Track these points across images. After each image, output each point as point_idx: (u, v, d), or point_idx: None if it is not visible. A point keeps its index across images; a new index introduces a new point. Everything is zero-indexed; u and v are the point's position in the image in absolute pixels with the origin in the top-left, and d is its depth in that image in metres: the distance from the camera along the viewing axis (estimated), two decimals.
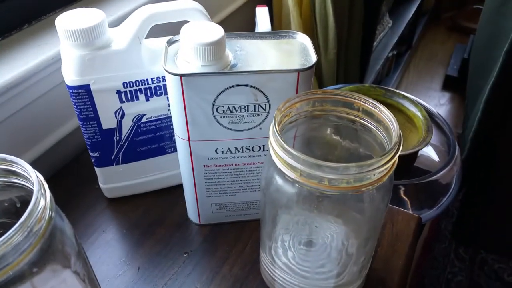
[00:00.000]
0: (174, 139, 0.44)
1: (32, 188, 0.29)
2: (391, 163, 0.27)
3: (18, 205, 0.32)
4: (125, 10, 0.52)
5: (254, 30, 0.58)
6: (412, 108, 0.59)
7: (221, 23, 0.73)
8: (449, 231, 1.20)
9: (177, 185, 0.48)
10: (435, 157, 0.67)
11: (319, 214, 0.30)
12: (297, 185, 0.29)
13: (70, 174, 0.50)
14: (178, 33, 0.34)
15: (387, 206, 0.32)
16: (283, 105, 0.31)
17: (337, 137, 0.36)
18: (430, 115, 0.64)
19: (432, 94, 1.82)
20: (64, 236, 0.28)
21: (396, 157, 0.28)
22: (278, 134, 0.28)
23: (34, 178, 0.26)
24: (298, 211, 0.31)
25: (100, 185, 0.46)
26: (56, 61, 0.45)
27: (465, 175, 0.65)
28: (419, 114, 0.58)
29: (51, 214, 0.26)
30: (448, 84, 1.84)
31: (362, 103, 0.32)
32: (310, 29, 0.75)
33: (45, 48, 0.46)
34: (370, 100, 0.31)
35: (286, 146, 0.27)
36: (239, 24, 0.77)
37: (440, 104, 1.77)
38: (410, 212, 0.47)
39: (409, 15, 1.39)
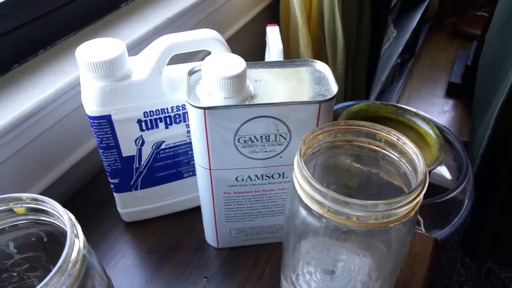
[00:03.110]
0: (192, 164, 0.44)
1: (61, 225, 0.29)
2: (418, 199, 0.28)
3: (45, 239, 0.32)
4: (136, 35, 0.53)
5: (264, 47, 0.58)
6: (424, 126, 0.59)
7: (230, 39, 0.73)
8: (455, 241, 1.20)
9: (193, 208, 0.48)
10: (446, 173, 0.67)
11: (345, 247, 0.31)
12: (323, 220, 0.29)
13: (87, 197, 0.51)
14: (191, 59, 0.35)
15: (411, 239, 0.32)
16: (307, 137, 0.31)
17: (358, 165, 0.36)
18: (440, 131, 0.64)
19: (436, 101, 1.82)
20: (96, 274, 0.28)
21: (423, 193, 0.28)
22: (305, 169, 0.28)
23: (67, 220, 0.27)
24: (324, 243, 0.31)
25: (118, 209, 0.46)
26: (72, 87, 0.46)
27: (476, 191, 0.65)
28: (431, 132, 0.58)
29: (85, 253, 0.26)
30: (452, 91, 1.84)
31: (384, 134, 0.32)
32: (318, 45, 0.76)
33: (62, 74, 0.46)
34: (393, 131, 0.32)
35: (313, 183, 0.28)
36: (248, 39, 0.78)
37: (443, 111, 1.77)
38: (423, 231, 0.47)
39: (413, 24, 1.40)
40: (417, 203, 0.28)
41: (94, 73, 0.35)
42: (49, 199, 0.28)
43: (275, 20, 0.79)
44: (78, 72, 0.46)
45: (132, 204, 0.45)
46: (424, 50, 2.06)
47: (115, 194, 0.45)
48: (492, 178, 0.84)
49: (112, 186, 0.44)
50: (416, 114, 0.61)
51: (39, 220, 0.30)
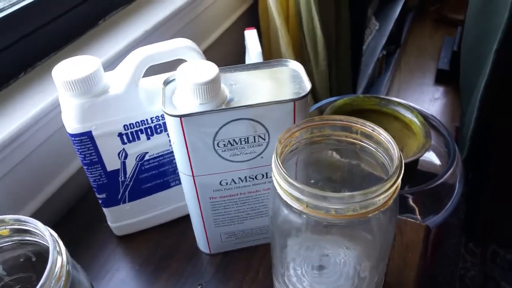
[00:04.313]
0: (177, 173, 0.45)
1: (46, 244, 0.29)
2: (395, 187, 0.28)
3: (34, 259, 0.33)
4: (116, 50, 0.53)
5: (244, 52, 0.59)
6: (408, 115, 0.59)
7: (210, 47, 0.74)
8: (456, 226, 1.21)
9: (183, 216, 0.48)
10: (435, 160, 0.68)
11: (329, 242, 0.31)
12: (304, 215, 0.29)
13: (78, 215, 0.51)
14: (169, 69, 0.35)
15: (395, 227, 0.32)
16: (282, 136, 0.31)
17: (338, 157, 0.37)
18: (426, 118, 0.65)
19: (426, 90, 1.83)
20: (82, 285, 0.29)
21: (399, 180, 0.29)
22: (281, 168, 0.29)
23: (48, 236, 0.27)
24: (307, 239, 0.31)
25: (109, 224, 0.46)
26: (54, 107, 0.46)
27: (468, 174, 0.65)
28: (415, 120, 0.59)
29: (69, 269, 0.27)
30: (441, 78, 1.85)
31: (360, 126, 0.32)
32: (298, 44, 0.76)
33: (43, 95, 0.47)
34: (368, 123, 0.32)
35: (290, 180, 0.28)
36: (227, 47, 0.78)
37: (434, 98, 1.78)
38: (419, 219, 0.48)
39: (395, 15, 1.41)
40: (394, 191, 0.29)
41: (72, 91, 0.36)
42: (30, 218, 0.28)
43: (255, 24, 0.79)
44: (55, 94, 0.47)
45: (122, 218, 0.46)
46: (409, 40, 2.07)
47: (104, 209, 0.45)
48: (483, 160, 0.84)
49: (100, 202, 0.44)
50: (399, 104, 0.62)
51: (24, 240, 0.30)
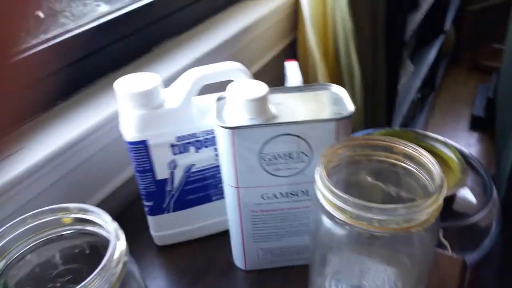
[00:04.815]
0: (220, 187, 0.47)
1: (106, 235, 0.32)
2: (437, 204, 0.29)
3: (87, 251, 0.35)
4: (170, 72, 0.57)
5: (283, 83, 0.62)
6: (446, 150, 0.60)
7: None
8: (492, 278, 1.15)
9: (221, 232, 0.50)
10: (472, 198, 0.67)
11: (370, 257, 0.32)
12: (347, 227, 0.30)
13: (122, 223, 0.53)
14: (216, 91, 0.38)
15: (435, 250, 0.33)
16: (327, 150, 0.33)
17: (378, 182, 0.38)
18: (463, 156, 0.65)
19: (460, 135, 1.81)
20: (135, 280, 0.30)
21: (442, 198, 0.30)
22: (326, 178, 0.30)
23: (110, 223, 0.29)
24: (349, 253, 0.32)
25: (152, 232, 0.48)
26: (110, 121, 0.50)
27: (505, 218, 0.64)
28: (453, 156, 0.59)
29: (126, 260, 0.29)
30: (475, 124, 1.83)
31: (402, 147, 0.34)
32: (336, 79, 0.79)
33: (99, 109, 0.51)
34: (410, 144, 0.34)
35: (334, 189, 0.30)
36: (268, 77, 0.82)
37: (469, 144, 1.75)
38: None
39: (430, 58, 1.43)
40: (436, 208, 0.29)
41: (133, 102, 0.39)
42: (95, 207, 0.31)
43: (293, 58, 0.83)
44: (113, 107, 0.51)
45: (164, 227, 0.48)
46: (444, 84, 2.07)
47: (149, 217, 0.47)
48: None
49: (146, 209, 0.46)
50: (437, 139, 0.62)
51: (85, 230, 0.33)
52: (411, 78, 1.28)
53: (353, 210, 0.29)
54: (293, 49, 0.83)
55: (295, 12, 0.80)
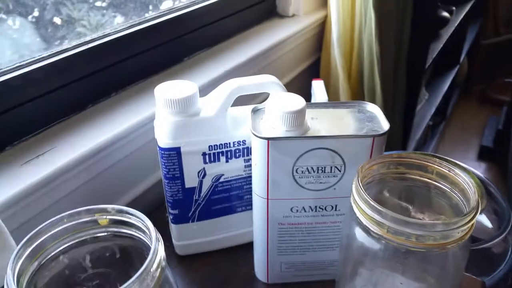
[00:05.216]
0: (245, 199, 0.47)
1: (142, 237, 0.32)
2: (473, 221, 0.29)
3: (118, 255, 0.35)
4: (201, 83, 0.59)
5: (309, 100, 0.63)
6: (463, 174, 0.60)
7: None
8: None
9: (243, 244, 0.50)
10: (488, 223, 0.67)
11: (403, 272, 0.32)
12: (383, 241, 0.31)
13: None
14: (249, 103, 0.38)
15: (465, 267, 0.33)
16: (363, 165, 0.34)
17: (408, 205, 0.38)
18: (480, 181, 0.65)
19: (469, 164, 1.80)
20: (170, 286, 0.30)
21: (476, 217, 0.30)
22: (363, 191, 0.31)
23: (151, 228, 0.29)
24: (382, 268, 0.32)
25: (174, 242, 0.49)
26: (146, 123, 0.51)
27: None
28: (472, 181, 0.59)
29: (164, 266, 0.29)
30: (484, 155, 1.84)
31: (436, 166, 0.34)
32: (357, 100, 0.81)
33: (130, 114, 0.52)
34: (445, 163, 0.34)
35: (372, 203, 0.30)
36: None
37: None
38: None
39: (444, 88, 1.45)
40: (471, 226, 0.30)
41: (170, 109, 0.40)
42: (134, 210, 0.31)
43: (316, 77, 0.85)
44: (141, 114, 0.52)
45: (187, 237, 0.48)
46: (454, 114, 2.09)
47: (172, 226, 0.47)
48: None
49: (171, 217, 0.47)
50: (455, 164, 0.63)
51: (119, 232, 0.33)
52: (425, 106, 1.30)
53: (391, 224, 0.29)
54: (316, 68, 0.85)
55: (321, 33, 0.82)
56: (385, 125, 0.38)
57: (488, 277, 0.61)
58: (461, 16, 1.34)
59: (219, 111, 0.41)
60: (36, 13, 0.53)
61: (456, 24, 1.25)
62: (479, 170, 1.83)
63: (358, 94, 0.79)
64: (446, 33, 1.15)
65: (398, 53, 0.78)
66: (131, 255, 0.35)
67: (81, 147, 0.47)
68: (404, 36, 0.77)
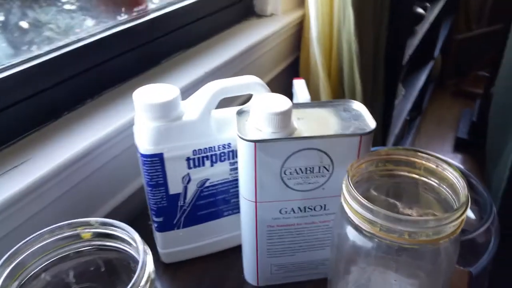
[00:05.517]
0: (232, 203, 0.46)
1: (126, 249, 0.31)
2: (464, 215, 0.29)
3: (103, 269, 0.33)
4: (179, 85, 0.57)
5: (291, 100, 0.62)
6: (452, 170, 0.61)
7: None
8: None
9: (231, 248, 0.49)
10: (470, 214, 0.68)
11: (397, 269, 0.32)
12: (375, 239, 0.30)
13: None
14: (231, 105, 0.37)
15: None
16: (353, 164, 0.33)
17: (395, 201, 0.38)
18: (464, 174, 0.66)
19: (445, 156, 1.85)
20: None
21: (467, 211, 0.30)
22: (354, 190, 0.30)
23: (138, 239, 0.28)
24: (375, 266, 0.32)
25: (159, 250, 0.47)
26: (124, 129, 0.49)
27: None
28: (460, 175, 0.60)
29: (154, 276, 0.28)
30: (459, 147, 1.89)
31: (424, 162, 0.34)
32: (338, 98, 0.81)
33: (117, 117, 0.50)
34: (432, 158, 0.34)
35: (364, 202, 0.30)
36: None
37: None
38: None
39: (420, 83, 1.48)
40: (462, 220, 0.30)
41: (150, 113, 0.39)
42: (119, 222, 0.30)
43: (295, 76, 0.85)
44: (120, 119, 0.50)
45: (173, 244, 0.47)
46: (429, 109, 2.13)
47: (157, 234, 0.46)
48: None
49: (155, 225, 0.45)
50: (438, 158, 0.63)
51: (104, 246, 0.31)
52: (402, 101, 1.32)
53: (383, 223, 0.29)
54: (295, 67, 0.84)
55: (299, 32, 0.82)
56: (371, 123, 0.38)
57: (472, 267, 0.62)
58: (435, 13, 1.37)
59: (203, 114, 0.40)
60: (1, 17, 0.51)
61: (430, 20, 1.27)
62: (456, 161, 1.88)
63: (338, 91, 0.79)
64: (422, 30, 1.17)
65: (376, 49, 0.78)
66: (117, 268, 0.34)
67: (58, 157, 0.45)
68: (382, 33, 0.78)
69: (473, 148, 1.79)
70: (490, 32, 2.10)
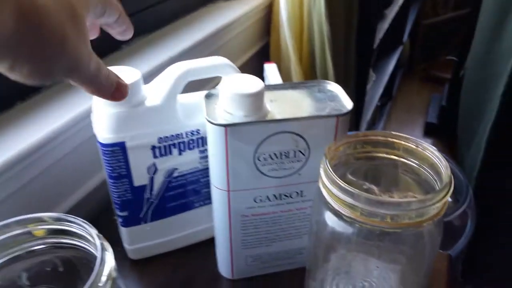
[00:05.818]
0: (203, 193, 0.44)
1: (87, 246, 0.28)
2: (448, 196, 0.28)
3: (61, 269, 0.30)
4: (143, 70, 0.54)
5: None
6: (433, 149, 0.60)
7: None
8: (459, 271, 1.19)
9: (203, 241, 0.46)
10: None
11: (380, 254, 0.30)
12: (356, 225, 0.28)
13: None
14: (196, 88, 0.35)
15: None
16: (331, 146, 0.31)
17: (371, 185, 0.36)
18: None
19: None
20: None
21: (451, 191, 0.29)
22: (333, 174, 0.28)
23: (95, 234, 0.25)
24: (356, 252, 0.30)
25: (125, 246, 0.44)
26: (82, 118, 0.45)
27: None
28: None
29: (115, 274, 0.25)
30: (429, 131, 1.92)
31: (403, 142, 0.33)
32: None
33: (65, 109, 0.46)
34: (412, 139, 0.33)
35: (344, 186, 0.28)
36: None
37: None
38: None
39: (390, 68, 1.48)
40: (445, 202, 0.28)
41: None
42: (74, 217, 0.27)
43: (266, 61, 0.82)
44: (77, 108, 0.46)
45: (140, 240, 0.44)
46: (399, 94, 2.16)
47: (122, 230, 0.43)
48: (490, 197, 0.85)
49: (120, 221, 0.42)
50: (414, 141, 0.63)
51: (60, 243, 0.28)
52: (373, 87, 1.32)
53: (364, 207, 0.27)
54: (266, 52, 0.82)
55: (269, 15, 0.79)
56: (348, 104, 0.36)
57: (449, 250, 0.62)
58: None
59: (167, 98, 0.37)
60: None
61: (400, 3, 1.27)
62: None
63: (311, 75, 0.77)
64: (391, 13, 1.17)
65: (348, 32, 0.77)
66: (77, 267, 0.31)
67: (9, 150, 0.40)
68: (353, 15, 0.76)
69: (443, 132, 1.82)
70: (456, 16, 2.14)
